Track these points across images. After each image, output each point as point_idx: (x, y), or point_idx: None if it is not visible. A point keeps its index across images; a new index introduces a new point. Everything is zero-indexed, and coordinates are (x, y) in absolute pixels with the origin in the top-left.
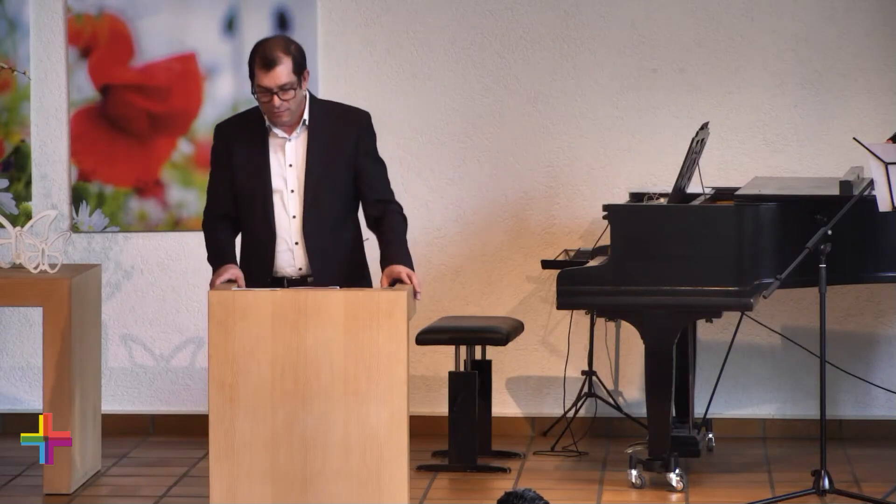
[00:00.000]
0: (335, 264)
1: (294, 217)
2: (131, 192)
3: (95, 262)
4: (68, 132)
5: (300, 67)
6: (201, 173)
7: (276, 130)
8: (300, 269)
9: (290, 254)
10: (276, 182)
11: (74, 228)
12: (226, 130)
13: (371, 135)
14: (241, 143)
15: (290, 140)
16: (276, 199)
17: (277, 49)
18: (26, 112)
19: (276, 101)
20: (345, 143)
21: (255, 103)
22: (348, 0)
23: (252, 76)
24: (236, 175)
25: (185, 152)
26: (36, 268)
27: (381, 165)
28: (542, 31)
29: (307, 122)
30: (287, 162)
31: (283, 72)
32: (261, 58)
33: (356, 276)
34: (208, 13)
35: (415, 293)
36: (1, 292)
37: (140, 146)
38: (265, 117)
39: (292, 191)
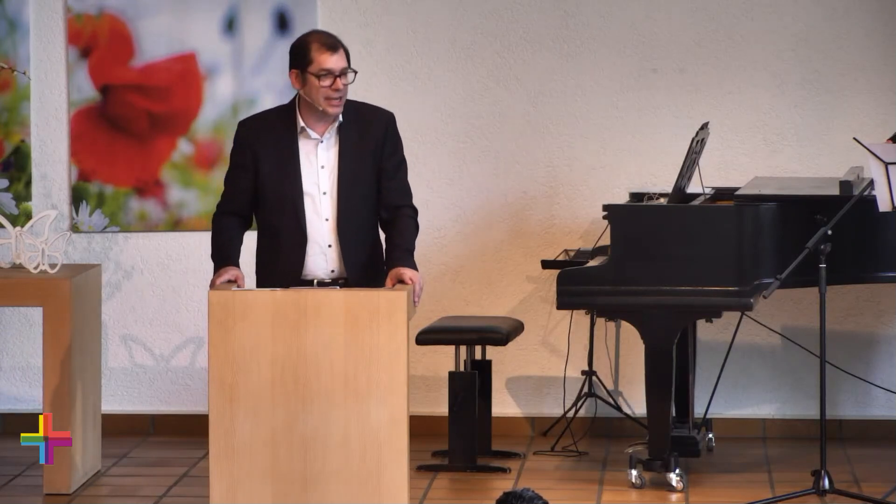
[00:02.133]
0: (365, 265)
1: (327, 220)
2: (131, 192)
3: (95, 262)
4: (68, 132)
5: (349, 57)
6: (201, 173)
7: (309, 131)
8: (332, 271)
9: (324, 257)
10: (308, 185)
11: (74, 228)
12: (251, 129)
13: (396, 136)
14: (269, 144)
15: (322, 141)
16: (307, 201)
17: (335, 37)
18: (26, 112)
19: (339, 84)
20: (373, 144)
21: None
22: (348, 0)
23: (307, 64)
24: (264, 177)
25: (185, 152)
26: (36, 268)
27: (403, 168)
28: (542, 31)
29: (340, 122)
30: (319, 164)
31: (344, 55)
32: (322, 43)
33: (378, 277)
34: (208, 13)
35: (414, 301)
36: (1, 292)
37: (140, 146)
38: (320, 104)
39: (325, 193)
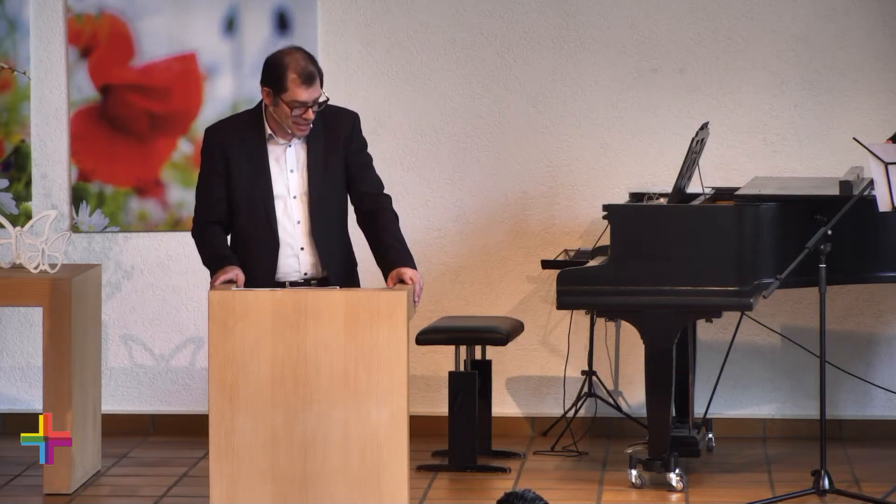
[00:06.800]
0: (339, 265)
1: (299, 222)
2: (131, 192)
3: (95, 262)
4: (68, 132)
5: (322, 79)
6: None
7: (276, 138)
8: (305, 273)
9: (296, 259)
10: (278, 188)
11: (74, 228)
12: (219, 135)
13: (361, 134)
14: (239, 148)
15: (290, 146)
16: (278, 205)
17: (311, 63)
18: (26, 112)
19: (311, 114)
20: (339, 143)
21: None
22: (348, 0)
23: (281, 90)
24: (235, 182)
25: (185, 152)
26: (36, 268)
27: (370, 160)
28: (542, 31)
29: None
30: (288, 167)
31: (319, 83)
32: (300, 74)
33: (352, 276)
34: (208, 13)
35: (414, 301)
36: (1, 292)
37: (140, 146)
38: (289, 127)
39: (295, 196)
